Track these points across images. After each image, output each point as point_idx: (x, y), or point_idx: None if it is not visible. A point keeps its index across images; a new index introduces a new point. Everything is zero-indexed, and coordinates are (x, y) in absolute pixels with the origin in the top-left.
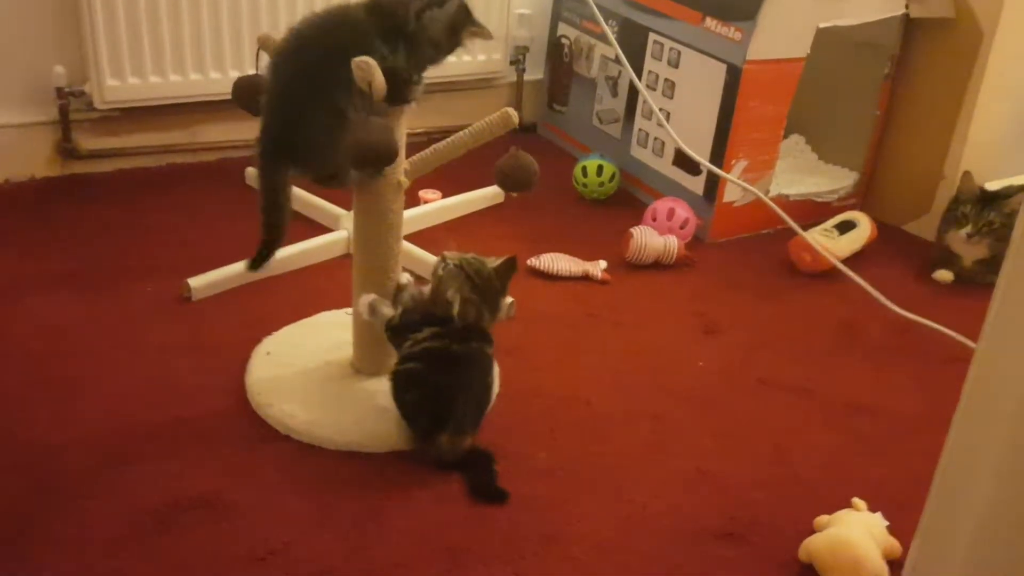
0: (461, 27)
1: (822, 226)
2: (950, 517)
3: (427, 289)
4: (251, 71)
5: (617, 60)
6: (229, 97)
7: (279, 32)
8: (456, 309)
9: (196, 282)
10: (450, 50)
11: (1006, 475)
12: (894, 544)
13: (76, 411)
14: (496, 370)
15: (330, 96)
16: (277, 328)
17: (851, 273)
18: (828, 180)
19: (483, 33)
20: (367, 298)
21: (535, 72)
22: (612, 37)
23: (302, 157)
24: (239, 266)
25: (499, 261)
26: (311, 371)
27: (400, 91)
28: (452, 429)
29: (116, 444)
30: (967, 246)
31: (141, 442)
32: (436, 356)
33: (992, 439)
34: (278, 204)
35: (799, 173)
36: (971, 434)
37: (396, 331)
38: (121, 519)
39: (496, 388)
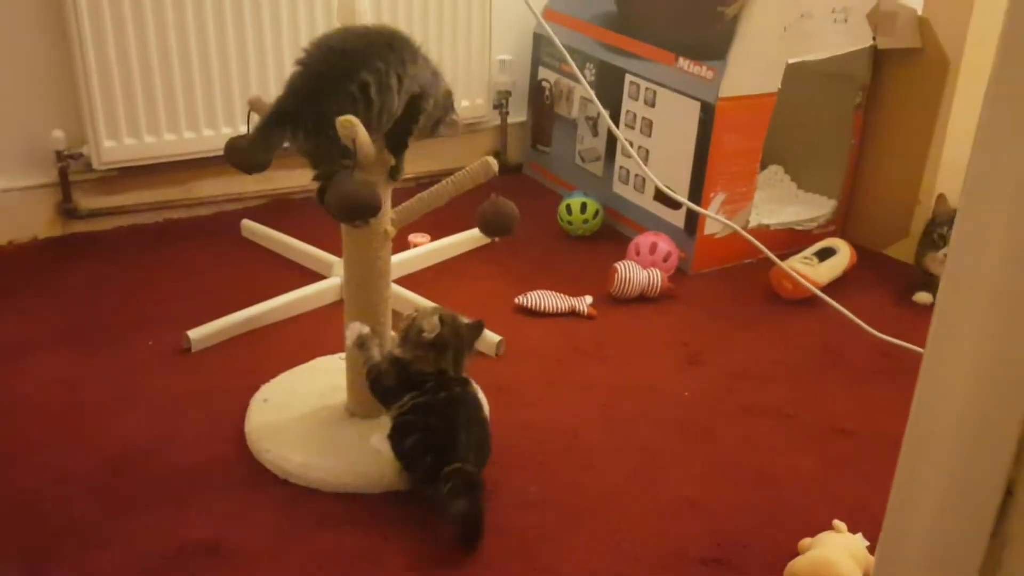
0: (443, 113)
1: (802, 254)
2: (903, 531)
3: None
4: (243, 128)
5: (592, 101)
6: (221, 153)
7: (267, 93)
8: (430, 331)
9: (195, 333)
10: (419, 129)
11: (951, 485)
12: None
13: (80, 461)
14: (484, 401)
15: (357, 76)
16: (273, 375)
17: (831, 300)
18: (807, 208)
19: (455, 125)
20: (357, 327)
21: (518, 115)
22: (584, 80)
23: (309, 125)
24: (237, 316)
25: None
26: (307, 416)
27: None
28: (458, 469)
29: (120, 492)
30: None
31: (145, 490)
32: (426, 407)
33: (936, 453)
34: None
35: (778, 203)
36: (918, 448)
37: (376, 388)
38: (128, 566)
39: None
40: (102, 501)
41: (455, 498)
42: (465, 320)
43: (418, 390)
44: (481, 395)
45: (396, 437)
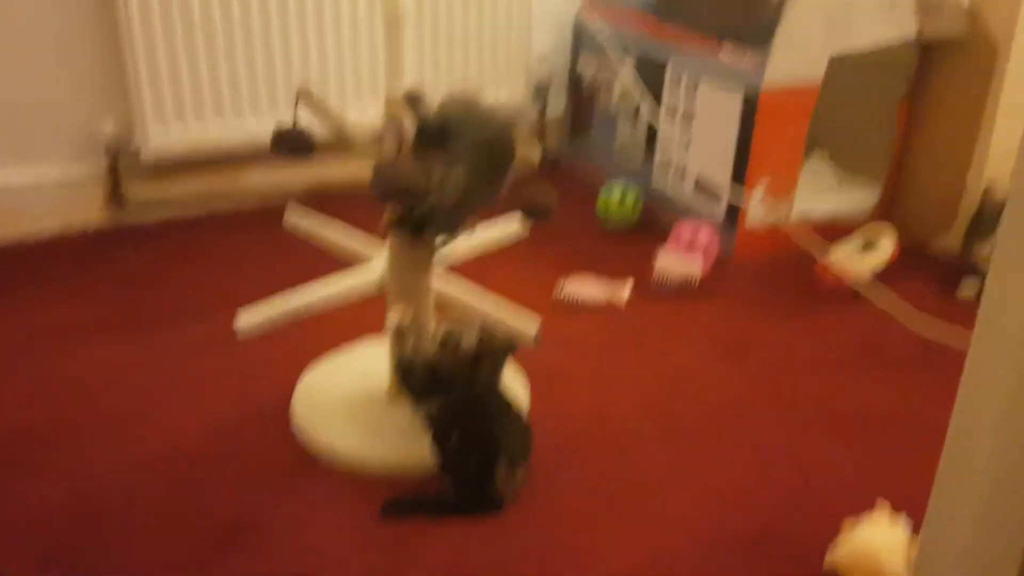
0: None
1: (845, 244)
2: (948, 515)
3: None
4: (288, 117)
5: (634, 93)
6: (267, 145)
7: (312, 80)
8: (467, 345)
9: (243, 320)
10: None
11: (997, 473)
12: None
13: (131, 446)
14: (526, 393)
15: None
16: (318, 361)
17: (874, 298)
18: (850, 199)
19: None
20: (398, 316)
21: (557, 106)
22: (623, 71)
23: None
24: (282, 304)
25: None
26: (352, 400)
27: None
28: (506, 461)
29: (171, 474)
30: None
31: (195, 471)
32: (459, 410)
33: (983, 439)
34: None
35: (822, 193)
36: (964, 436)
37: (404, 381)
38: (179, 544)
39: (527, 411)
40: (153, 484)
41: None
42: (500, 339)
43: (447, 395)
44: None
45: (440, 438)
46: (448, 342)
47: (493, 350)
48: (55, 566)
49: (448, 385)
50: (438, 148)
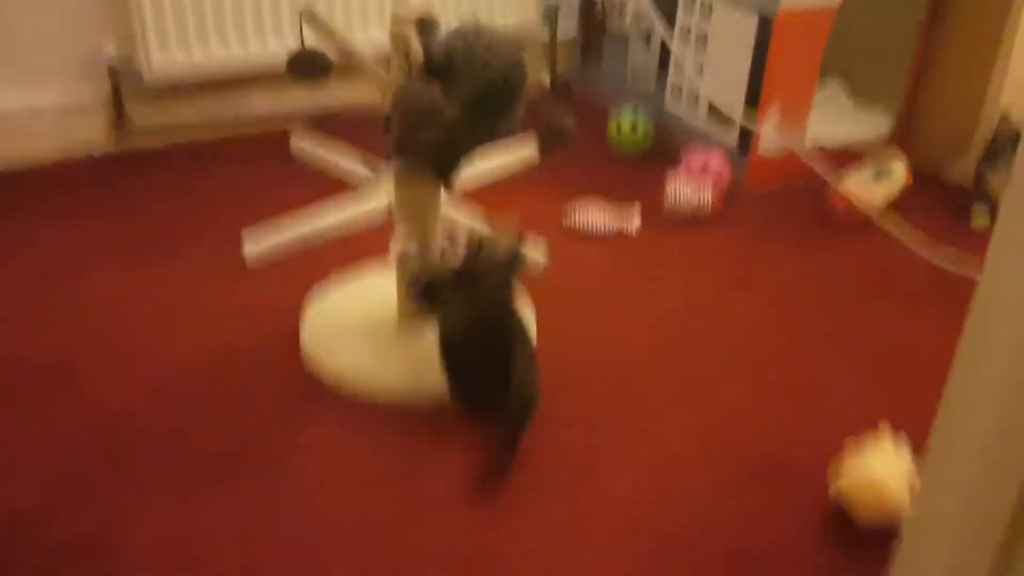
0: None
1: (858, 173)
2: (951, 445)
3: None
4: (294, 41)
5: (647, 15)
6: (272, 69)
7: (316, 2)
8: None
9: (250, 249)
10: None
11: (1002, 404)
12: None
13: (141, 374)
14: (533, 321)
15: None
16: (326, 289)
17: (887, 225)
18: (864, 126)
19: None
20: (403, 244)
21: (569, 30)
22: None
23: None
24: (289, 232)
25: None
26: (360, 328)
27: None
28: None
29: (180, 403)
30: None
31: (204, 400)
32: (476, 317)
33: (989, 370)
34: None
35: (835, 120)
36: (971, 366)
37: (415, 296)
38: (191, 471)
39: (535, 339)
40: (164, 411)
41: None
42: (506, 248)
43: (463, 307)
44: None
45: (452, 350)
46: (475, 246)
47: (493, 261)
48: (65, 494)
49: (475, 285)
50: (447, 82)
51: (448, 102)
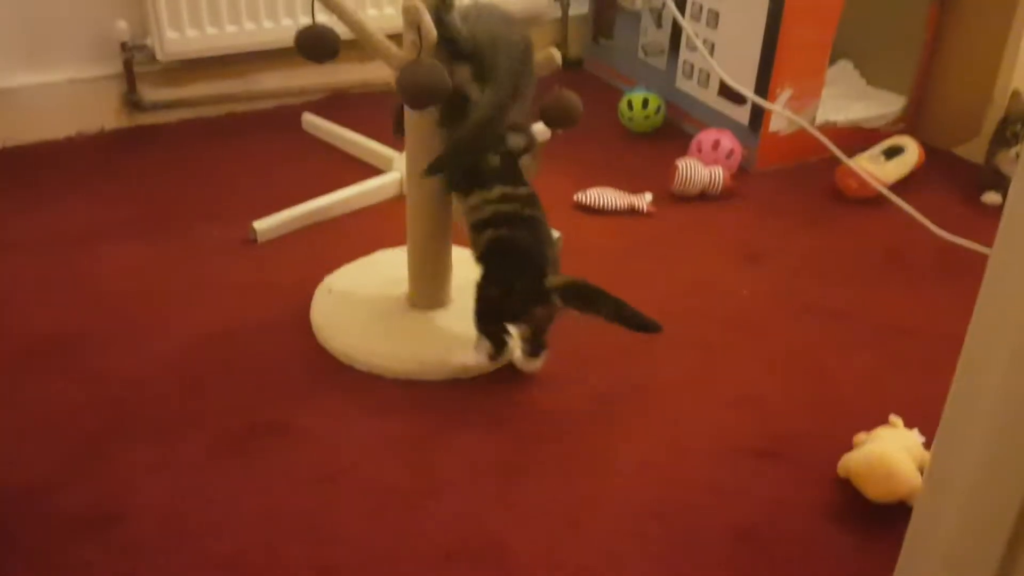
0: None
1: (869, 152)
2: (964, 422)
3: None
4: (304, 20)
5: None
6: (283, 46)
7: None
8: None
9: (260, 225)
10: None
11: (1012, 383)
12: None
13: (153, 347)
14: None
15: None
16: (337, 266)
17: (897, 199)
18: (876, 105)
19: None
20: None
21: (580, 6)
22: None
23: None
24: (300, 208)
25: None
26: (371, 306)
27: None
28: (552, 269)
29: (192, 376)
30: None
31: (215, 374)
32: (510, 219)
33: (999, 349)
34: None
35: (846, 99)
36: (981, 345)
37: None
38: (202, 444)
39: None
40: (175, 384)
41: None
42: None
43: (512, 186)
44: None
45: (484, 275)
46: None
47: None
48: (75, 466)
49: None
50: (462, 63)
51: (481, 86)
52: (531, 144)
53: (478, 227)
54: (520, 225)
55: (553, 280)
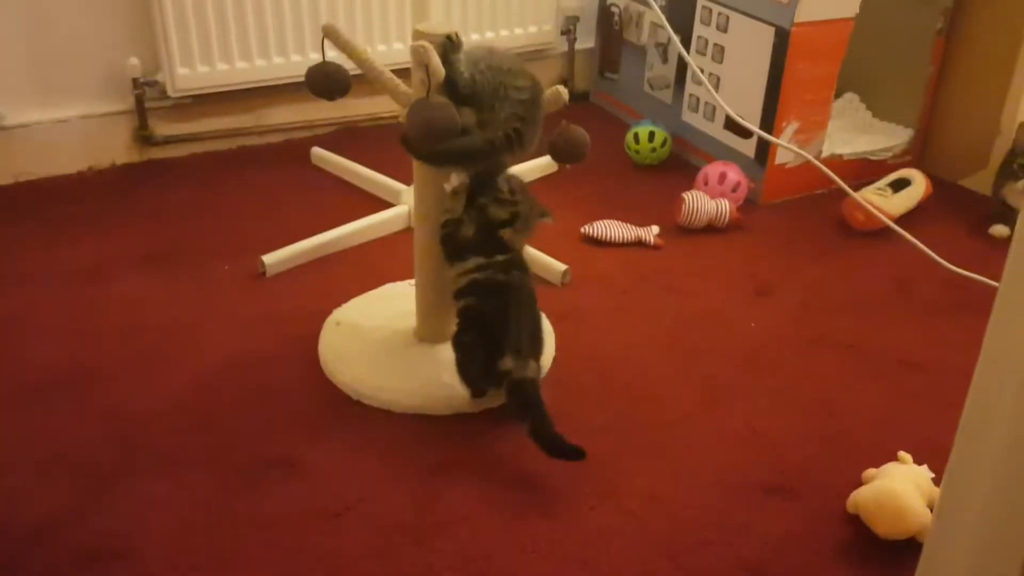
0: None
1: (875, 184)
2: (973, 458)
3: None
4: (314, 56)
5: (663, 26)
6: (293, 81)
7: (337, 20)
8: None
9: (269, 258)
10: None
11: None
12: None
13: (162, 381)
14: (551, 332)
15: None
16: (345, 300)
17: (903, 232)
18: (882, 138)
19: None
20: (457, 178)
21: (586, 41)
22: (654, 3)
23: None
24: (309, 242)
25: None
26: (378, 339)
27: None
28: (512, 351)
29: (200, 411)
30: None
31: (224, 408)
32: (483, 287)
33: (1007, 384)
34: None
35: (853, 131)
36: (990, 381)
37: (448, 242)
38: (210, 480)
39: (553, 350)
40: (183, 419)
41: (516, 414)
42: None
43: (486, 256)
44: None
45: (460, 327)
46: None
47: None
48: (87, 500)
49: (491, 235)
50: (473, 108)
51: (482, 129)
52: (514, 218)
53: (455, 297)
54: (490, 295)
55: (507, 365)
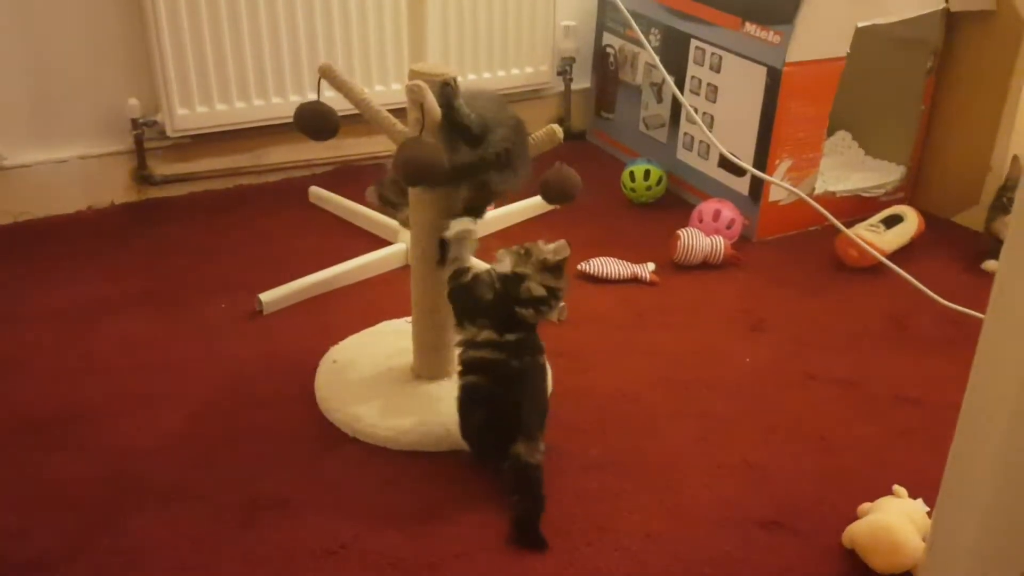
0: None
1: (868, 221)
2: (962, 492)
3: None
4: (311, 96)
5: (657, 67)
6: (291, 121)
7: (335, 60)
8: (555, 254)
9: (267, 297)
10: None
11: (1009, 452)
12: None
13: (159, 419)
14: (548, 371)
15: None
16: (342, 338)
17: (896, 268)
18: (875, 175)
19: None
20: (464, 222)
21: (582, 81)
22: (649, 46)
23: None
24: (306, 280)
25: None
26: (375, 377)
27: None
28: (524, 437)
29: (198, 449)
30: None
31: (219, 446)
32: (496, 371)
33: (995, 420)
34: None
35: (846, 169)
36: (977, 415)
37: (460, 294)
38: (206, 518)
39: (549, 388)
40: (180, 457)
41: (513, 494)
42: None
43: (497, 333)
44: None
45: (465, 403)
46: (532, 253)
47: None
48: (83, 538)
49: (508, 310)
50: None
51: (482, 165)
52: (548, 299)
53: (462, 365)
54: (502, 381)
55: (519, 450)
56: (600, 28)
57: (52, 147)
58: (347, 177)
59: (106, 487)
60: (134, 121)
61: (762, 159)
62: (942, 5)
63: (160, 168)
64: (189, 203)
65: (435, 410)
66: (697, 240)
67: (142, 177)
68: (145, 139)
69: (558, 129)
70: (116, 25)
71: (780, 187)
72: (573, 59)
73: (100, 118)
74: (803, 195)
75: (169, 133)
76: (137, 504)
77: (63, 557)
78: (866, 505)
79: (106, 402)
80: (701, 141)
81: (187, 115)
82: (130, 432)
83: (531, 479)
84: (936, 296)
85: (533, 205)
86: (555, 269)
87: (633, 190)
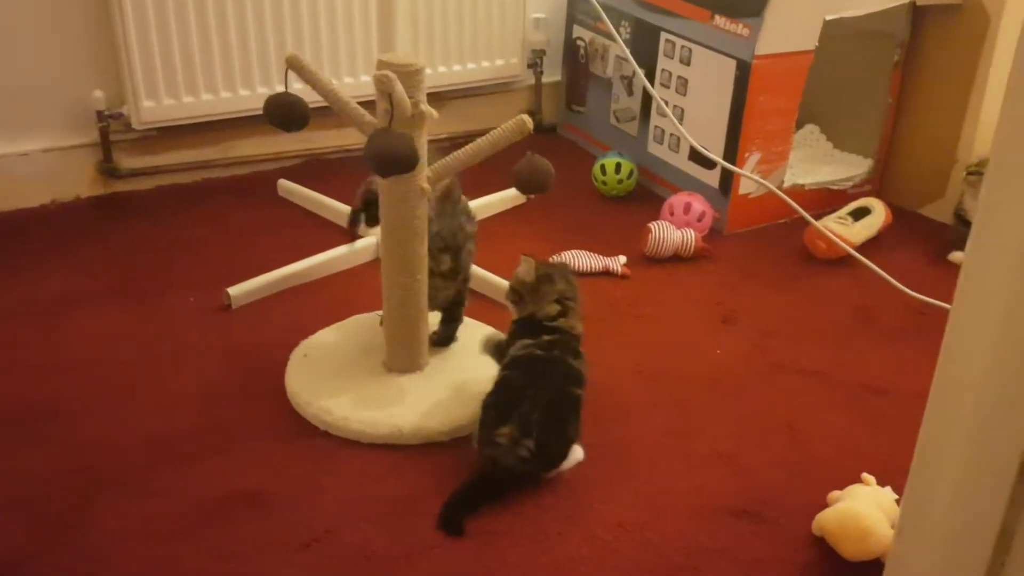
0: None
1: (837, 213)
2: (929, 479)
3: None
4: (280, 88)
5: (628, 60)
6: (259, 113)
7: (303, 52)
8: (524, 274)
9: (235, 291)
10: None
11: (975, 440)
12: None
13: (128, 415)
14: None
15: None
16: (312, 331)
17: (864, 260)
18: (843, 168)
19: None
20: (490, 333)
21: (553, 74)
22: (619, 37)
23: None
24: (275, 274)
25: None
26: (346, 371)
27: None
28: (516, 423)
29: (167, 444)
30: None
31: (190, 442)
32: (520, 361)
33: (962, 405)
34: None
35: (814, 162)
36: (945, 404)
37: (496, 351)
38: (176, 513)
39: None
40: (148, 453)
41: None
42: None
43: (532, 338)
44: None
45: (490, 391)
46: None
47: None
48: (51, 535)
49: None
50: None
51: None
52: (563, 312)
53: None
54: (520, 366)
55: (502, 433)
56: (570, 21)
57: (14, 140)
58: (316, 170)
59: (74, 482)
60: (99, 113)
61: (732, 152)
62: None
63: (126, 161)
64: (156, 197)
65: (406, 403)
66: (668, 233)
67: (108, 170)
68: (111, 132)
69: (528, 119)
70: (81, 15)
71: (750, 180)
72: (543, 52)
73: (64, 110)
74: (773, 188)
75: (135, 126)
76: (105, 501)
77: (29, 554)
78: (835, 493)
79: (73, 397)
80: (672, 134)
81: (153, 107)
82: (97, 427)
83: (490, 473)
84: (903, 287)
85: (504, 199)
86: (552, 278)
87: (604, 183)
